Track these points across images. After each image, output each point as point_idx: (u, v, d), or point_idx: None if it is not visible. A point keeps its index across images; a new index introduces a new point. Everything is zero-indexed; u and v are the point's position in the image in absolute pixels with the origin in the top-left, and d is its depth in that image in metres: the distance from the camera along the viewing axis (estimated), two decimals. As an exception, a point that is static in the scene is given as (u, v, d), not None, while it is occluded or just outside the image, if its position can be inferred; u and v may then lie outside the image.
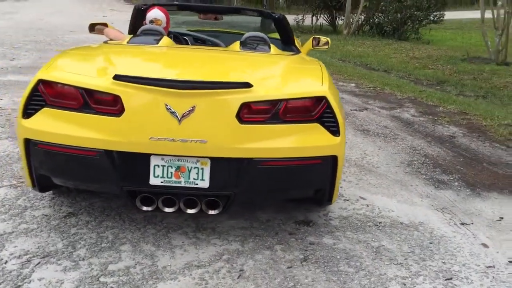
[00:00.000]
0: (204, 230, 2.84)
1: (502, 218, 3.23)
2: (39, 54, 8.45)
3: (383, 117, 5.63)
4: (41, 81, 2.41)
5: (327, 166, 2.54)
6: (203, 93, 2.32)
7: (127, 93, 2.32)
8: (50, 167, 2.51)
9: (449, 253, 2.74)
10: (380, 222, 3.07)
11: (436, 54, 10.80)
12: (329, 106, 2.48)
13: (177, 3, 4.12)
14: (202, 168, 2.42)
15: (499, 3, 9.33)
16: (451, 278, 2.49)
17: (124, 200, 3.06)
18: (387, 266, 2.58)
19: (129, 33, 3.99)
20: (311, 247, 2.72)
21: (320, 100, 2.47)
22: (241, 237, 2.78)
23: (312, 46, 4.35)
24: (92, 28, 4.24)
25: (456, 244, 2.85)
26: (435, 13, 14.15)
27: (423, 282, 2.45)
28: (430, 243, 2.85)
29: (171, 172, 2.42)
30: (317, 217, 3.08)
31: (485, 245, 2.86)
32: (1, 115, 4.87)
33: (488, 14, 9.81)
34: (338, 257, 2.64)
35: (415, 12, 13.74)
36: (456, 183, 3.80)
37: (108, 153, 2.37)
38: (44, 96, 2.41)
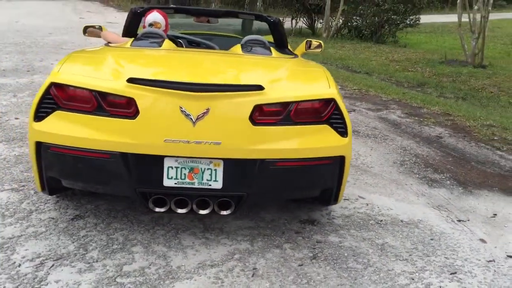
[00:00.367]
0: (212, 230, 2.88)
1: (495, 214, 3.36)
2: (21, 57, 8.33)
3: (371, 119, 5.76)
4: (53, 84, 2.41)
5: (336, 166, 2.61)
6: (217, 96, 2.37)
7: (142, 96, 2.35)
8: (62, 170, 2.51)
9: (450, 249, 2.85)
10: (381, 220, 3.16)
11: (414, 57, 11.05)
12: (337, 108, 2.55)
13: (173, 6, 4.14)
14: (215, 169, 2.46)
15: (475, 7, 9.61)
16: (455, 273, 2.60)
17: (130, 202, 3.10)
18: (393, 262, 2.67)
19: (124, 35, 4.00)
20: (318, 245, 2.79)
21: (329, 102, 2.55)
22: (250, 237, 2.83)
23: (305, 49, 4.43)
24: (90, 31, 4.23)
25: (456, 240, 2.96)
26: (411, 17, 14.46)
27: (429, 277, 2.54)
28: (431, 239, 2.95)
29: (185, 174, 2.46)
30: (320, 216, 3.15)
31: (483, 241, 2.98)
32: (-9, 119, 4.80)
33: (463, 18, 10.10)
34: (346, 254, 2.72)
35: (392, 16, 14.02)
36: (448, 181, 3.93)
37: (122, 155, 2.39)
38: (57, 99, 2.42)
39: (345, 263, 2.63)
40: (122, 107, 2.37)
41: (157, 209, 2.54)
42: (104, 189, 2.68)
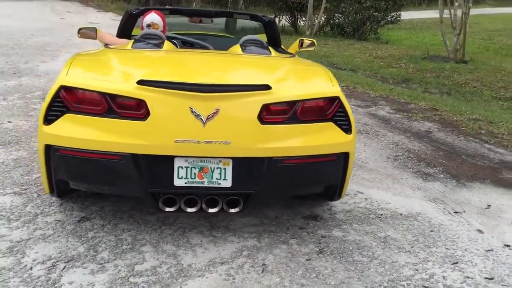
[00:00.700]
0: (219, 228, 2.92)
1: (489, 206, 3.48)
2: (5, 59, 8.22)
3: (361, 115, 5.86)
4: (62, 88, 2.43)
5: (340, 162, 2.68)
6: (226, 96, 2.41)
7: (152, 97, 2.38)
8: (72, 172, 2.53)
9: (450, 240, 2.94)
10: (382, 214, 3.24)
11: (397, 53, 11.22)
12: (341, 105, 2.63)
13: (169, 7, 4.16)
14: (225, 168, 2.51)
15: (456, 3, 9.81)
16: (457, 262, 2.69)
17: (135, 202, 3.13)
18: (397, 254, 2.75)
19: (118, 37, 4.01)
20: (323, 240, 2.86)
21: (334, 100, 2.61)
22: (256, 234, 2.89)
23: (299, 48, 4.49)
24: (82, 33, 4.21)
25: (454, 231, 3.06)
26: (392, 14, 14.66)
27: (433, 267, 2.63)
28: (431, 231, 3.05)
29: (195, 173, 2.50)
30: (322, 212, 3.22)
31: (480, 231, 3.08)
32: (-17, 122, 4.75)
33: (444, 15, 10.30)
34: (351, 248, 2.79)
35: (373, 13, 14.20)
36: (442, 175, 4.04)
37: (133, 156, 2.42)
38: (66, 102, 2.43)
39: (350, 256, 2.70)
40: (133, 109, 2.40)
41: (167, 209, 2.58)
42: (114, 190, 2.70)
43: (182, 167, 2.48)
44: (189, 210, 2.60)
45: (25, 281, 2.32)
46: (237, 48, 3.34)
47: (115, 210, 3.06)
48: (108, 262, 2.52)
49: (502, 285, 2.50)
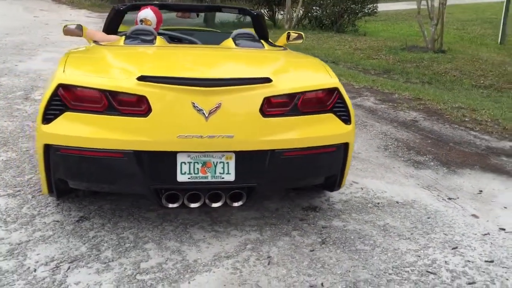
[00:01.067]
0: (220, 223, 2.92)
1: (481, 191, 3.55)
2: (-19, 59, 8.02)
3: (348, 106, 5.89)
4: (61, 86, 2.39)
5: (340, 152, 2.71)
6: (228, 90, 2.41)
7: (154, 93, 2.36)
8: (73, 171, 2.49)
9: (447, 225, 3.00)
10: (378, 203, 3.29)
11: (376, 45, 11.33)
12: (340, 96, 2.65)
13: (157, 2, 4.12)
14: (228, 162, 2.51)
15: (433, -6, 9.95)
16: (456, 247, 2.75)
17: (133, 200, 3.10)
18: (397, 241, 2.79)
19: (105, 33, 3.96)
20: (325, 231, 2.88)
21: (333, 91, 2.63)
22: (257, 227, 2.89)
23: (286, 41, 4.50)
24: (67, 30, 4.14)
25: (450, 217, 3.12)
26: (369, 6, 14.77)
27: (434, 253, 2.68)
28: (428, 218, 3.10)
29: (198, 168, 2.49)
30: (320, 203, 3.25)
31: (475, 216, 3.15)
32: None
33: (420, 5, 10.43)
34: (352, 237, 2.82)
35: (351, 5, 14.28)
36: (432, 163, 4.11)
37: (136, 153, 2.40)
38: (65, 100, 2.39)
39: (353, 245, 2.73)
40: (134, 105, 2.38)
41: (170, 205, 2.57)
42: (115, 188, 2.68)
43: (185, 163, 2.47)
44: (193, 205, 2.59)
45: (30, 283, 2.28)
46: (229, 42, 3.32)
47: (113, 209, 3.03)
48: (112, 261, 2.49)
49: (502, 267, 2.57)
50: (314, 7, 14.99)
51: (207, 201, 2.59)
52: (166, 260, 2.52)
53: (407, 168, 3.95)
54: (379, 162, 4.07)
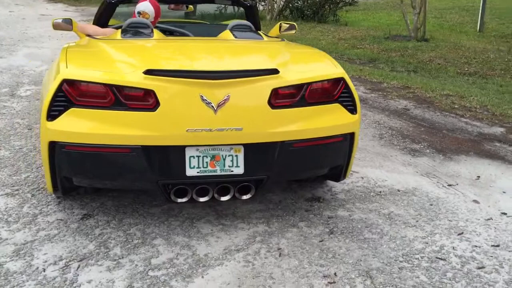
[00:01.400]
0: (226, 216, 2.91)
1: (479, 177, 3.61)
2: (-40, 56, 7.80)
3: (338, 96, 5.91)
4: (65, 81, 2.33)
5: (347, 142, 2.71)
6: (236, 82, 2.38)
7: (161, 87, 2.32)
8: (79, 168, 2.44)
9: (450, 212, 3.04)
10: (380, 192, 3.31)
11: (359, 35, 11.37)
12: (346, 86, 2.64)
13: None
14: (236, 155, 2.49)
15: (415, -17, 10.01)
16: (462, 233, 2.78)
17: (135, 196, 3.06)
18: (404, 229, 2.82)
19: (94, 24, 3.90)
20: (331, 221, 2.89)
21: (339, 81, 2.63)
22: (264, 219, 2.89)
23: (279, 32, 4.48)
24: (56, 25, 4.04)
25: (452, 203, 3.16)
26: (349, -5, 14.80)
27: (441, 239, 2.71)
28: (431, 205, 3.13)
29: (207, 162, 2.46)
30: (323, 193, 3.26)
31: (476, 201, 3.19)
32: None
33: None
34: (359, 226, 2.84)
35: (332, -5, 14.30)
36: (428, 150, 4.15)
37: (144, 148, 2.36)
38: (70, 96, 2.34)
39: (361, 234, 2.75)
40: (141, 100, 2.34)
41: (179, 200, 2.54)
42: (123, 185, 2.64)
43: (193, 157, 2.44)
44: (201, 199, 2.57)
45: (41, 283, 2.24)
46: (228, 34, 3.29)
47: (116, 205, 2.98)
48: (122, 258, 2.46)
49: (509, 251, 2.61)
50: (295, -2, 14.96)
51: (215, 195, 2.57)
52: (177, 255, 2.49)
53: (404, 156, 3.99)
54: (376, 151, 4.09)
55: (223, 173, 2.48)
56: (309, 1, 14.51)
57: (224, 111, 2.37)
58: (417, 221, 2.91)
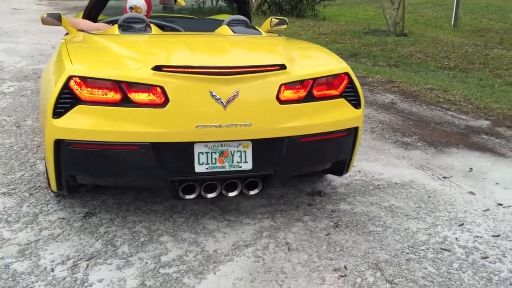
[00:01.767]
0: (230, 212, 2.90)
1: (471, 169, 3.69)
2: None
3: (325, 91, 5.96)
4: (72, 78, 2.28)
5: (351, 137, 2.74)
6: (245, 78, 2.38)
7: (171, 83, 2.30)
8: (85, 166, 2.40)
9: (449, 203, 3.11)
10: (379, 185, 3.36)
11: (339, 29, 11.45)
12: (351, 81, 2.67)
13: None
14: (245, 151, 2.48)
15: (394, -22, 10.13)
16: (462, 224, 2.85)
17: (136, 193, 3.03)
18: (406, 221, 2.87)
19: (84, 18, 3.82)
20: (334, 214, 2.92)
21: (344, 76, 2.65)
22: (268, 214, 2.90)
23: (270, 27, 4.48)
24: (45, 20, 3.95)
25: (449, 195, 3.23)
26: (327, -10, 14.88)
27: (443, 230, 2.77)
28: (429, 197, 3.20)
29: (215, 158, 2.46)
30: (323, 187, 3.28)
31: (472, 193, 3.27)
32: None
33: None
34: (363, 219, 2.87)
35: (310, -10, 14.35)
36: (419, 143, 4.23)
37: (153, 145, 2.34)
38: (77, 93, 2.29)
39: (365, 227, 2.79)
40: (150, 96, 2.31)
41: (187, 197, 2.52)
42: (130, 182, 2.60)
43: (202, 153, 2.43)
44: (209, 196, 2.56)
45: (51, 284, 2.20)
46: (226, 29, 3.27)
47: (118, 203, 2.95)
48: (131, 256, 2.44)
49: (509, 241, 2.68)
50: (273, -8, 14.95)
51: (223, 191, 2.56)
52: (186, 252, 2.48)
53: (397, 150, 4.05)
54: (369, 144, 4.14)
55: (231, 169, 2.47)
56: (287, -4, 14.53)
57: (233, 107, 2.36)
58: (418, 213, 2.97)
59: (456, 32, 11.63)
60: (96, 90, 2.30)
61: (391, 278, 2.32)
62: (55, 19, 3.92)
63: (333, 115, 2.61)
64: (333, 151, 2.74)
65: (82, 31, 3.48)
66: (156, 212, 2.86)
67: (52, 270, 2.30)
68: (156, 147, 2.35)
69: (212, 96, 2.33)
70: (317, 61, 2.86)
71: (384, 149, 4.06)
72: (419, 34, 10.57)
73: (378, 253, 2.53)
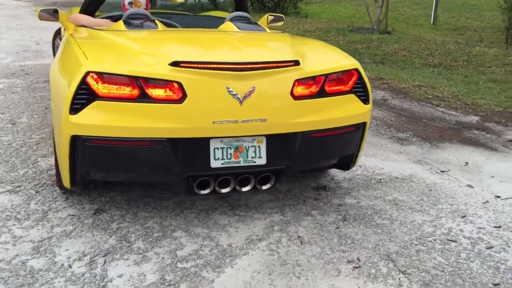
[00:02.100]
0: (239, 207, 2.94)
1: (467, 163, 3.80)
2: None
3: (317, 88, 6.03)
4: (89, 73, 2.28)
5: (359, 132, 2.80)
6: (261, 74, 2.41)
7: (189, 79, 2.32)
8: (102, 163, 2.40)
9: (449, 196, 3.20)
10: (380, 179, 3.43)
11: (323, 27, 11.56)
12: (360, 76, 2.73)
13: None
14: (259, 146, 2.52)
15: (377, -23, 10.27)
16: (465, 216, 2.94)
17: (143, 189, 3.04)
18: (411, 214, 2.95)
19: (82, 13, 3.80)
20: (341, 208, 2.98)
21: (354, 71, 2.71)
22: (277, 209, 2.94)
23: (267, 23, 4.52)
24: (42, 15, 3.92)
25: (449, 188, 3.33)
26: (309, -12, 14.99)
27: (447, 222, 2.86)
28: (430, 190, 3.28)
29: (230, 153, 2.48)
30: (327, 182, 3.34)
31: (470, 186, 3.37)
32: None
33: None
34: (369, 213, 2.94)
35: (293, -13, 14.43)
36: (414, 138, 4.33)
37: (170, 141, 2.35)
38: (94, 89, 2.29)
39: (373, 220, 2.85)
40: (168, 92, 2.32)
41: (202, 192, 2.55)
42: (145, 178, 2.61)
43: (218, 148, 2.45)
44: (223, 191, 2.59)
45: (71, 280, 2.20)
46: (230, 26, 3.28)
47: (126, 199, 2.95)
48: (147, 251, 2.45)
49: (511, 231, 2.79)
50: (256, -11, 14.99)
51: (237, 186, 2.59)
52: (201, 247, 2.51)
53: (394, 145, 4.14)
54: (367, 140, 4.21)
55: (246, 164, 2.51)
56: (270, -7, 14.57)
57: (249, 103, 2.39)
58: (421, 206, 3.05)
59: (436, 30, 11.86)
60: (113, 85, 2.30)
61: (404, 269, 2.39)
62: (51, 14, 3.89)
63: (343, 110, 2.67)
64: (342, 146, 2.79)
65: (84, 26, 3.45)
66: (167, 208, 2.87)
67: (70, 266, 2.30)
68: (174, 143, 2.36)
69: (229, 92, 2.36)
70: (327, 57, 2.91)
71: (381, 144, 4.14)
72: (402, 32, 10.74)
73: (388, 245, 2.60)
